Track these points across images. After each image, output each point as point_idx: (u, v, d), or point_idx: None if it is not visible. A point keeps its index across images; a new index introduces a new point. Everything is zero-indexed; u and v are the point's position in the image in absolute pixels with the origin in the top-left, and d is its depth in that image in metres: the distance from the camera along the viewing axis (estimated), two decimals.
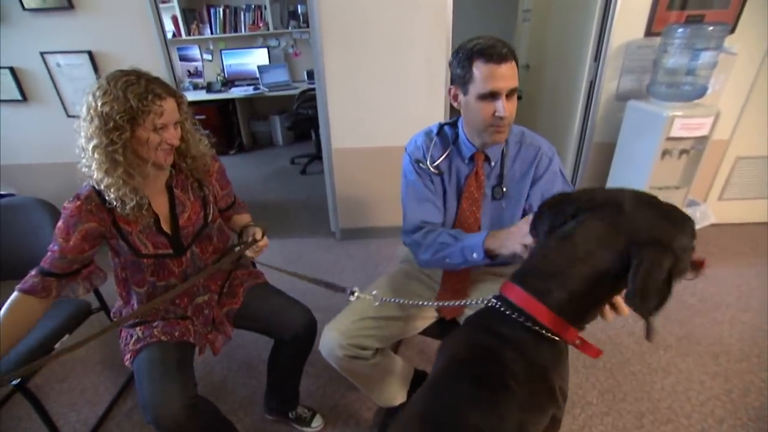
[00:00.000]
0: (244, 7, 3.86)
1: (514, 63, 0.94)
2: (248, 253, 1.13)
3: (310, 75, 4.00)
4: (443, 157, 1.11)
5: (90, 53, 2.01)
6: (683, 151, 1.94)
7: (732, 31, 2.00)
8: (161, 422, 0.97)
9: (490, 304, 0.68)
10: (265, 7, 3.85)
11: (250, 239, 1.14)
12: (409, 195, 1.14)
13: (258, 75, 3.88)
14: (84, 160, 0.96)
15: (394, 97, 2.18)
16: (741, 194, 2.55)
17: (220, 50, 4.02)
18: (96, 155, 0.92)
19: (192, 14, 3.86)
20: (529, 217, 0.76)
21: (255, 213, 1.33)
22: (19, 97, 2.11)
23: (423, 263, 1.11)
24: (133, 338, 1.09)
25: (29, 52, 2.01)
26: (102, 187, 0.94)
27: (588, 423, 1.37)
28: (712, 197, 2.55)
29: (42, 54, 2.01)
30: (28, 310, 0.99)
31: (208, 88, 3.92)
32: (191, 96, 3.66)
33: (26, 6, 1.90)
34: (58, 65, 2.03)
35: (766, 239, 2.44)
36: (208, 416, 1.13)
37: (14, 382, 1.15)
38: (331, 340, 1.11)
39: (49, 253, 1.00)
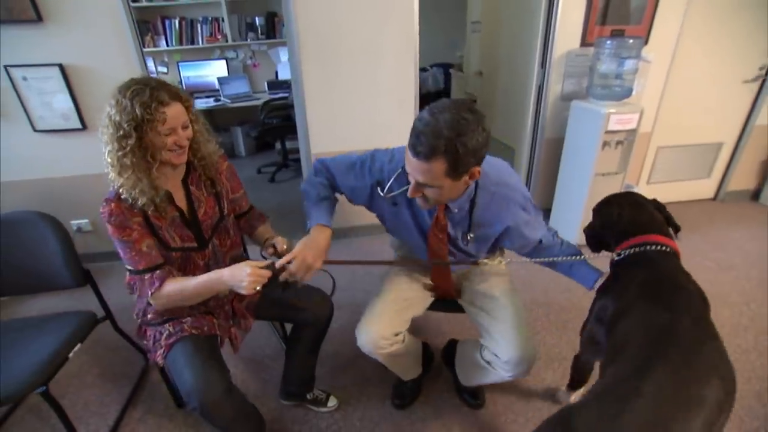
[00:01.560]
0: (200, 19, 3.85)
1: (435, 162, 0.88)
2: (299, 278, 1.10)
3: (271, 86, 4.06)
4: (401, 191, 1.09)
5: (61, 66, 1.97)
6: (618, 142, 2.29)
7: (646, 42, 2.41)
8: (207, 406, 1.06)
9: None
10: (223, 20, 3.87)
11: (273, 250, 1.20)
12: (342, 167, 1.22)
13: (218, 87, 3.88)
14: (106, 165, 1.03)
15: (368, 104, 2.35)
16: (664, 177, 3.01)
17: (177, 62, 3.96)
18: (109, 159, 1.00)
19: (146, 26, 3.78)
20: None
21: None
22: None
23: (304, 190, 1.25)
24: (164, 334, 1.15)
25: None
26: (116, 186, 1.02)
27: (566, 374, 1.61)
28: (642, 181, 2.99)
29: (6, 67, 1.94)
30: (177, 284, 1.08)
31: None
32: None
33: None
34: (24, 79, 1.97)
35: (688, 216, 2.89)
36: (240, 399, 1.22)
37: (40, 390, 1.15)
38: (372, 336, 1.22)
39: (135, 258, 1.05)
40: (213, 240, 1.21)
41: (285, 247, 1.18)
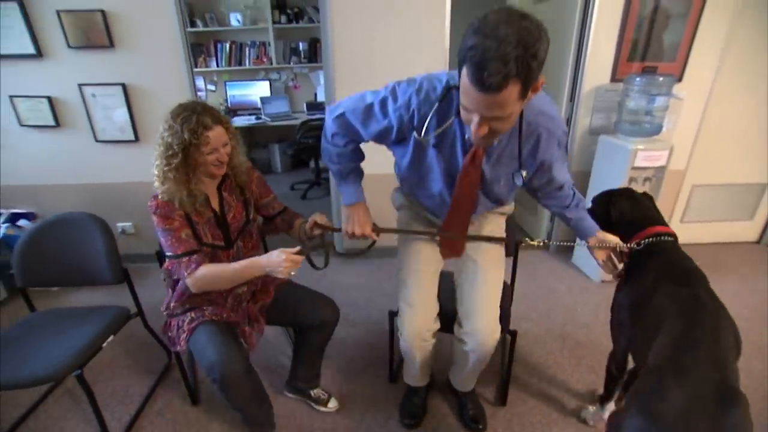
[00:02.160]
0: (249, 43, 4.16)
1: (509, 89, 0.75)
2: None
3: (309, 106, 4.28)
4: (440, 130, 0.97)
5: (123, 85, 2.22)
6: (646, 179, 2.26)
7: (680, 79, 2.38)
8: (228, 378, 1.18)
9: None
10: (269, 44, 4.16)
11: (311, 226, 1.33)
12: (365, 110, 1.06)
13: (260, 105, 4.14)
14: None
15: None
16: (699, 217, 2.89)
17: (225, 82, 4.28)
18: (156, 171, 1.18)
19: (200, 48, 4.13)
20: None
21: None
22: (53, 123, 2.28)
23: (323, 147, 1.22)
24: (186, 320, 1.28)
25: (68, 84, 2.20)
26: (159, 192, 1.19)
27: (568, 417, 1.58)
28: (675, 219, 2.88)
29: (80, 85, 2.20)
30: (214, 265, 1.23)
31: None
32: None
33: (71, 44, 2.11)
34: (93, 96, 2.23)
35: (724, 258, 2.76)
36: (258, 382, 1.36)
37: (76, 373, 1.28)
38: (417, 327, 1.27)
39: (175, 243, 1.19)
40: (238, 242, 1.34)
41: (326, 220, 1.33)
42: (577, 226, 1.26)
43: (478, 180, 1.08)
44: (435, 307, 1.32)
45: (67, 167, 2.40)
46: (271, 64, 4.22)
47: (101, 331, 1.44)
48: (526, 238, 1.32)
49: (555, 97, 2.62)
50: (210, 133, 1.16)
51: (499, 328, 1.27)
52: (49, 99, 2.23)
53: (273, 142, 4.62)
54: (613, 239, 1.20)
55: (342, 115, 1.11)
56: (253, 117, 4.10)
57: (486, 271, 1.31)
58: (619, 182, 2.25)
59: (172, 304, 1.33)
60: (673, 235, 1.25)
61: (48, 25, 2.10)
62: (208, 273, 1.20)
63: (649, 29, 2.28)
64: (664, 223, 1.31)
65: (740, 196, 2.85)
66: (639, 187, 2.28)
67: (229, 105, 4.29)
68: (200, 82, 4.31)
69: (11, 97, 2.24)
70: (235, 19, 3.99)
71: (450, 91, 0.94)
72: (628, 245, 1.21)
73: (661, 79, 2.13)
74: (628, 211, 1.33)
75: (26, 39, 2.12)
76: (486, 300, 1.27)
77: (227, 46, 4.14)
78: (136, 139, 2.33)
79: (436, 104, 0.95)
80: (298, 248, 1.17)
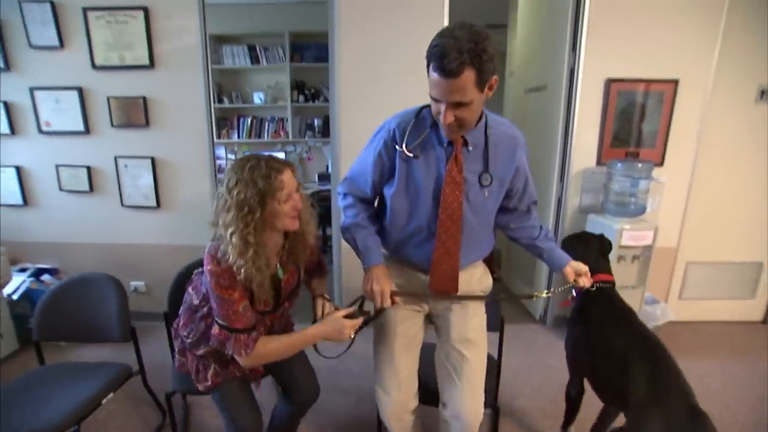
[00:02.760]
0: (269, 118, 4.59)
1: (465, 75, 0.93)
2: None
3: (321, 177, 4.58)
4: (418, 141, 1.13)
5: (152, 158, 2.50)
6: (635, 257, 2.35)
7: (661, 164, 2.55)
8: None
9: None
10: (287, 120, 4.58)
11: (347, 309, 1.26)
12: (362, 160, 1.25)
13: None
14: (222, 247, 1.08)
15: None
16: (698, 294, 2.91)
17: (244, 152, 4.66)
18: (234, 240, 1.04)
19: (224, 122, 4.57)
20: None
21: None
22: (87, 189, 2.55)
23: (342, 225, 1.30)
24: (210, 371, 1.30)
25: (106, 155, 2.50)
26: (235, 268, 1.06)
27: None
28: (673, 296, 2.90)
29: (116, 157, 2.49)
30: (269, 340, 1.20)
31: None
32: None
33: (114, 123, 2.44)
34: (125, 166, 2.51)
35: (725, 336, 2.73)
36: None
37: (73, 429, 1.35)
38: (395, 409, 1.29)
39: (231, 316, 1.10)
40: (284, 305, 1.30)
41: (330, 306, 1.35)
42: (550, 256, 1.33)
43: (462, 182, 1.14)
44: (413, 387, 1.32)
45: (92, 228, 2.63)
46: (288, 137, 4.61)
47: (103, 387, 1.52)
48: (536, 293, 1.42)
49: (546, 177, 2.81)
50: (282, 176, 1.07)
51: (482, 410, 1.27)
52: (88, 168, 2.52)
53: None
54: (584, 268, 1.32)
55: (347, 178, 1.30)
56: None
57: (469, 349, 1.28)
58: None
59: (201, 350, 1.27)
60: (613, 283, 1.58)
61: (99, 108, 2.45)
62: (264, 353, 1.16)
63: (627, 120, 2.51)
64: (608, 271, 1.62)
65: (738, 274, 2.88)
66: (628, 266, 2.37)
67: None
68: (222, 151, 4.70)
69: (57, 165, 2.54)
70: (258, 98, 4.45)
71: (422, 110, 1.16)
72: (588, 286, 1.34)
73: (639, 165, 2.31)
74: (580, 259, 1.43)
75: (79, 119, 2.45)
76: (470, 382, 1.26)
77: (249, 120, 4.57)
78: (158, 205, 2.57)
79: (412, 120, 1.15)
80: (352, 310, 1.22)
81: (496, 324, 1.56)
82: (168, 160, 2.52)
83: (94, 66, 2.38)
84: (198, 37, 2.35)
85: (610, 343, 1.39)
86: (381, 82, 2.39)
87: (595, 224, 2.48)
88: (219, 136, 4.63)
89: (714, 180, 2.66)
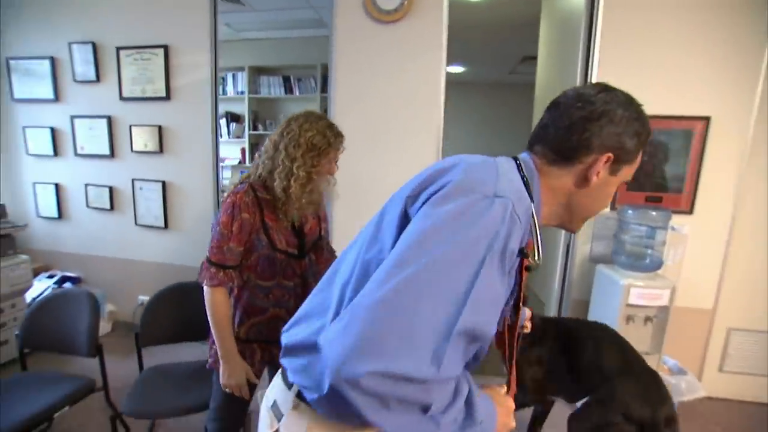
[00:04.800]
0: None
1: None
2: None
3: None
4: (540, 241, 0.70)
5: (164, 182, 2.68)
6: (647, 318, 2.04)
7: (691, 211, 2.22)
8: None
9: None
10: None
11: None
12: (488, 293, 0.58)
13: None
14: (278, 173, 1.21)
15: None
16: (745, 368, 2.44)
17: None
18: (300, 172, 1.19)
19: (256, 147, 4.83)
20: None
21: None
22: (108, 207, 2.80)
23: None
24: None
25: (125, 178, 2.74)
26: (287, 194, 1.21)
27: None
28: (711, 368, 2.47)
29: (133, 180, 2.72)
30: (227, 300, 1.25)
31: None
32: None
33: (134, 149, 2.68)
34: (140, 188, 2.72)
35: (764, 421, 2.26)
36: None
37: None
38: None
39: (215, 249, 1.21)
40: (310, 254, 1.36)
41: None
42: None
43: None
44: None
45: (111, 243, 2.86)
46: None
47: (58, 400, 1.60)
48: None
49: None
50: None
51: None
52: (110, 188, 2.77)
53: None
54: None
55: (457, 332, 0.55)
56: None
57: None
58: (614, 318, 2.06)
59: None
60: None
61: (122, 135, 2.71)
62: (211, 301, 1.21)
63: (647, 161, 2.24)
64: None
65: None
66: (640, 328, 2.07)
67: None
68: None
69: (86, 184, 2.83)
70: None
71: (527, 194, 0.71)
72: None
73: (654, 213, 2.03)
74: None
75: (106, 145, 2.73)
76: None
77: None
78: (166, 226, 2.73)
79: (519, 220, 0.63)
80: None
81: None
82: (177, 184, 2.69)
83: (121, 97, 2.65)
84: (208, 72, 2.52)
85: (577, 341, 1.51)
86: (376, 115, 2.40)
87: (604, 277, 2.20)
88: (252, 159, 4.89)
89: (757, 235, 2.26)
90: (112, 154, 2.74)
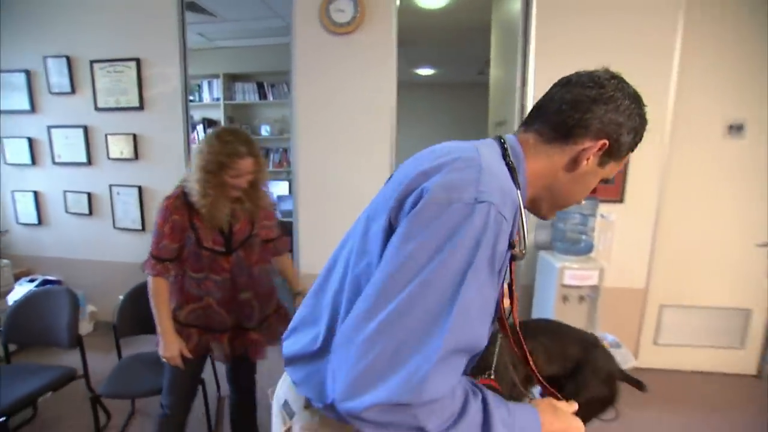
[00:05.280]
0: (274, 149, 4.94)
1: None
2: None
3: None
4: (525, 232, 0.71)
5: (140, 187, 2.84)
6: (581, 298, 2.28)
7: (621, 200, 2.48)
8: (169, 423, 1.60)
9: None
10: (290, 150, 4.90)
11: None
12: (473, 307, 0.59)
13: (275, 201, 4.76)
14: (191, 187, 1.40)
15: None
16: (677, 340, 2.71)
17: None
18: (197, 186, 1.38)
19: None
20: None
21: None
22: (87, 212, 2.94)
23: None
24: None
25: (102, 184, 2.89)
26: (197, 205, 1.40)
27: None
28: (646, 341, 2.73)
29: (110, 186, 2.87)
30: (165, 287, 1.48)
31: None
32: None
33: (110, 156, 2.82)
34: (118, 193, 2.87)
35: (708, 388, 2.52)
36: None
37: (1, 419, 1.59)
38: None
39: (153, 245, 1.44)
40: (239, 251, 1.52)
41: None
42: None
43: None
44: None
45: (91, 246, 3.00)
46: (290, 167, 4.92)
47: (42, 385, 1.76)
48: None
49: None
50: (241, 161, 1.37)
51: None
52: (89, 194, 2.91)
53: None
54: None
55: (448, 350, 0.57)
56: None
57: None
58: (552, 299, 2.29)
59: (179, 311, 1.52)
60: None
61: (99, 143, 2.85)
62: (152, 288, 1.45)
63: None
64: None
65: (722, 320, 2.66)
66: (575, 305, 2.30)
67: None
68: None
69: (65, 191, 2.96)
70: (264, 130, 4.82)
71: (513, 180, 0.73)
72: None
73: (583, 201, 2.26)
74: None
75: (82, 152, 2.87)
76: None
77: None
78: (143, 228, 2.89)
79: (518, 202, 0.67)
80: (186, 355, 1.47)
81: None
82: (152, 188, 2.85)
83: (96, 108, 2.80)
84: (179, 82, 2.69)
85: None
86: (335, 121, 2.60)
87: (543, 262, 2.44)
88: None
89: (681, 220, 2.53)
90: (89, 161, 2.88)
